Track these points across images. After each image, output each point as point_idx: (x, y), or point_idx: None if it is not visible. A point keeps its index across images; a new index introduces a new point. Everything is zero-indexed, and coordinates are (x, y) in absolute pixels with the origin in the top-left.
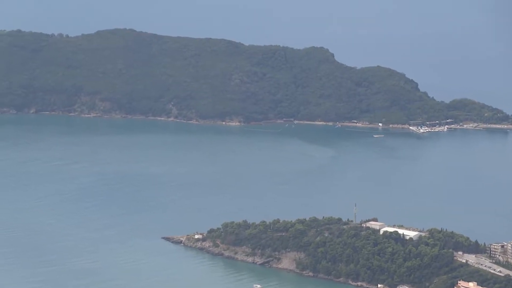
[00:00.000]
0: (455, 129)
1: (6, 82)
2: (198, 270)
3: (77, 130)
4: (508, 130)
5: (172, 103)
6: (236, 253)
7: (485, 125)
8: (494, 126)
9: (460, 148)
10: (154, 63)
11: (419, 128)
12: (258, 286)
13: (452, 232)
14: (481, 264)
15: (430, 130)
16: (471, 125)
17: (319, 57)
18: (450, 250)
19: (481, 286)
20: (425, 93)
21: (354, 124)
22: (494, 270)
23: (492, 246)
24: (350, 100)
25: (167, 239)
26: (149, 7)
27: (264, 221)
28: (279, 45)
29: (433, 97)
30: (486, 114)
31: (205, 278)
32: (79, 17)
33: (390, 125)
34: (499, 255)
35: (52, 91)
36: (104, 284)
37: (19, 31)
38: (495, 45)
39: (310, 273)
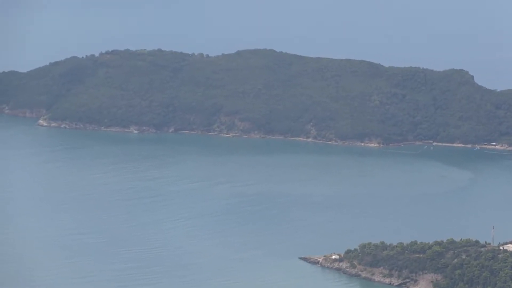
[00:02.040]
0: None
1: (147, 101)
2: None
3: (216, 150)
4: None
5: (311, 123)
6: (373, 274)
7: None
8: None
9: None
10: (293, 83)
11: None
12: None
13: None
14: None
15: None
16: None
17: (459, 79)
18: None
19: None
20: None
21: (493, 146)
22: None
23: None
24: (489, 123)
25: (304, 259)
26: (290, 28)
27: (401, 243)
28: (419, 67)
29: None
30: None
31: None
32: (220, 37)
33: None
34: None
35: (191, 110)
36: None
37: (159, 50)
38: None
39: None
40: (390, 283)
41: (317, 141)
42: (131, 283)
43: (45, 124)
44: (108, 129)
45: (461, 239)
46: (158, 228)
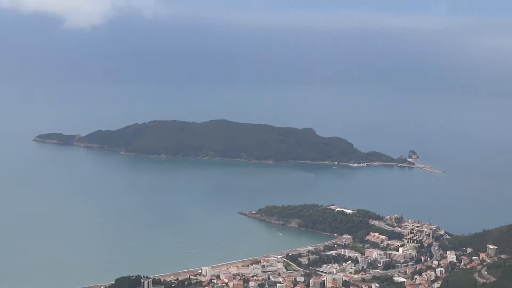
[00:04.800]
0: (369, 165)
1: (170, 143)
2: (253, 227)
3: (201, 166)
4: (394, 166)
5: (243, 152)
6: (271, 219)
7: (383, 163)
8: (388, 163)
9: (371, 172)
10: (236, 135)
11: (354, 164)
12: (280, 234)
13: (368, 211)
14: (381, 225)
15: (358, 165)
16: (376, 163)
17: (309, 132)
18: (366, 218)
19: (380, 235)
20: (356, 149)
21: (325, 162)
22: (387, 228)
23: (386, 216)
24: (323, 151)
25: (240, 213)
26: (236, 106)
27: (283, 205)
28: (291, 127)
29: (359, 150)
30: (383, 158)
31: (255, 229)
32: (203, 110)
33: (341, 163)
34: (389, 221)
35: (189, 147)
36: (206, 234)
37: (174, 120)
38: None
39: (304, 229)
40: (278, 223)
41: (245, 160)
42: (154, 223)
43: (123, 154)
44: (152, 156)
45: (311, 204)
46: (172, 201)
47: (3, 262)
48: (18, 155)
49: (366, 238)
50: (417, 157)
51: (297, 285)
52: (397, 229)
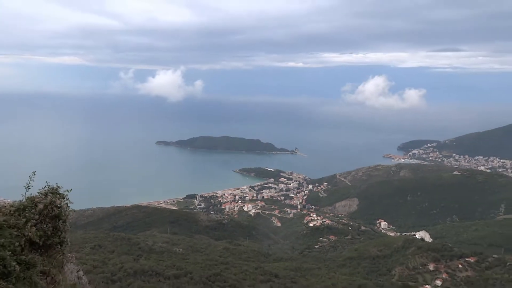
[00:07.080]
0: (280, 153)
1: (205, 145)
2: (237, 176)
3: (218, 154)
4: (289, 153)
5: (234, 148)
6: (244, 173)
7: (285, 152)
8: (287, 152)
9: (281, 156)
10: (232, 142)
11: (274, 153)
12: (247, 178)
13: (279, 169)
14: (284, 175)
15: (276, 153)
16: (282, 152)
17: (258, 141)
18: (279, 172)
19: (284, 178)
20: (275, 146)
21: (264, 152)
22: (287, 176)
23: (286, 171)
24: (263, 148)
25: (233, 171)
26: (231, 131)
27: (249, 167)
28: (252, 139)
29: (276, 147)
30: (285, 150)
31: (239, 177)
32: (219, 132)
33: (270, 152)
34: (288, 173)
35: (214, 146)
36: (219, 178)
37: (209, 136)
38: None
39: (256, 176)
40: (247, 174)
41: (236, 151)
42: (199, 173)
43: (189, 149)
44: (200, 149)
45: (259, 167)
46: (206, 166)
47: (120, 191)
48: (148, 150)
49: (279, 180)
50: (298, 150)
51: (253, 197)
52: (291, 176)
